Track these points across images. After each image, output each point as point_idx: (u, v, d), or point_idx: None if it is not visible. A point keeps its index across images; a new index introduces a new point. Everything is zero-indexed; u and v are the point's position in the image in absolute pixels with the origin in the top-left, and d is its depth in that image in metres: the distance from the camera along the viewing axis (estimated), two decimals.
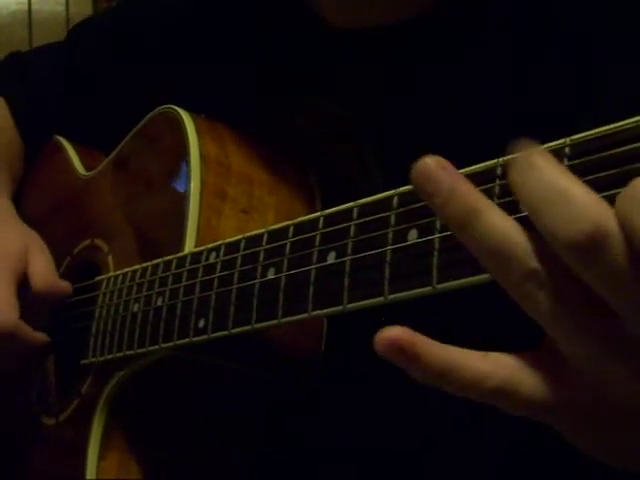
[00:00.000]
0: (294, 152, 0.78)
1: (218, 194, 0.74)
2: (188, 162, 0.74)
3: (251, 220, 0.73)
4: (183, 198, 0.73)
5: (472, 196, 0.38)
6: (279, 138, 0.80)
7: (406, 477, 0.75)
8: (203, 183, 0.73)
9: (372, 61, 0.74)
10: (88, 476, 0.75)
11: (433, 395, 0.70)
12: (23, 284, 0.84)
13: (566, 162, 0.39)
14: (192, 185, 0.73)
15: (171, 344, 0.68)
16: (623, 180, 0.37)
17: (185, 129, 0.76)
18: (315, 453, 0.75)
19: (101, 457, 0.75)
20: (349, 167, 0.75)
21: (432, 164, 0.39)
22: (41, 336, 0.84)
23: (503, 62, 0.68)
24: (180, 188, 0.74)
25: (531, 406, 0.40)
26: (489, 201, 0.39)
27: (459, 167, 0.41)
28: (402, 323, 0.70)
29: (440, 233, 0.47)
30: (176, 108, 0.78)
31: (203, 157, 0.74)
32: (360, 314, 0.73)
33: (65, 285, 0.85)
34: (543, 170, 0.36)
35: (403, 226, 0.49)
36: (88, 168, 0.94)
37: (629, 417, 0.39)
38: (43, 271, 0.84)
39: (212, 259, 0.66)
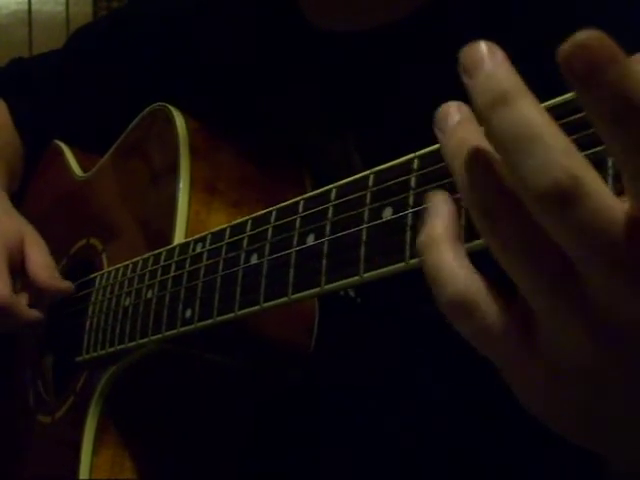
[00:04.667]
0: (288, 151, 0.79)
1: (208, 188, 0.74)
2: (178, 157, 0.75)
3: (241, 214, 0.73)
4: (173, 193, 0.73)
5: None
6: (274, 136, 0.80)
7: (395, 476, 0.74)
8: (192, 177, 0.74)
9: (360, 64, 0.74)
10: (82, 472, 0.75)
11: (420, 396, 0.71)
12: (18, 271, 0.85)
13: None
14: (181, 179, 0.73)
15: (160, 336, 0.69)
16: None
17: (175, 125, 0.76)
18: (303, 449, 0.75)
19: (95, 453, 0.75)
20: (337, 168, 0.75)
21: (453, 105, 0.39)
22: (35, 313, 0.83)
23: None
24: (170, 183, 0.74)
25: (482, 338, 0.38)
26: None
27: None
28: (397, 317, 0.71)
29: (413, 209, 0.47)
30: (167, 105, 0.79)
31: (193, 152, 0.75)
32: (353, 314, 0.73)
33: (68, 285, 0.85)
34: (518, 107, 0.34)
35: (378, 204, 0.50)
36: (85, 170, 0.95)
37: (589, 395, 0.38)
38: (43, 263, 0.85)
39: (199, 249, 0.66)
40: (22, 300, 0.83)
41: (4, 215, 0.89)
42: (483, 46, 0.35)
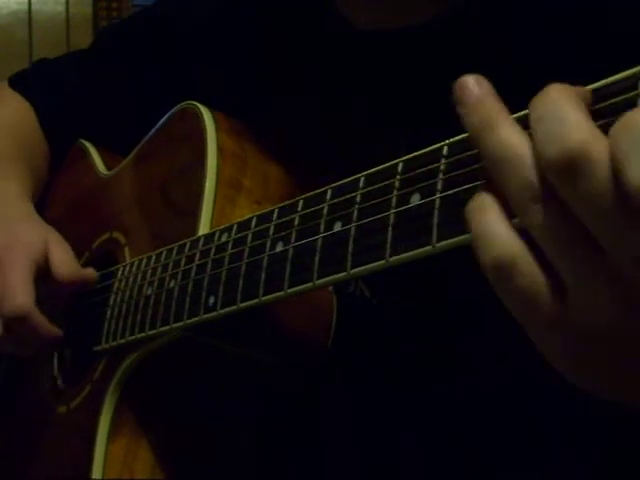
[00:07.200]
0: (313, 151, 0.80)
1: (233, 185, 0.75)
2: (205, 153, 0.76)
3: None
4: (199, 188, 0.75)
5: (493, 109, 0.41)
6: (301, 137, 0.81)
7: (405, 474, 0.75)
8: (219, 173, 0.75)
9: (398, 62, 0.75)
10: (96, 460, 0.76)
11: (432, 395, 0.72)
12: (44, 276, 0.85)
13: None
14: (208, 175, 0.75)
15: (181, 324, 0.69)
16: None
17: (203, 122, 0.78)
18: (315, 443, 0.76)
19: (110, 441, 0.76)
20: (365, 168, 0.76)
21: (471, 79, 0.42)
22: (54, 329, 0.83)
23: (524, 60, 0.69)
24: (196, 179, 0.76)
25: (518, 300, 0.41)
26: (508, 117, 0.41)
27: None
28: (418, 319, 0.71)
29: (441, 193, 0.48)
30: (196, 103, 0.81)
31: (220, 149, 0.76)
32: (368, 314, 0.74)
33: (90, 272, 0.86)
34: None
35: (406, 190, 0.51)
36: (110, 169, 0.96)
37: (613, 349, 0.40)
38: (65, 260, 0.85)
39: (224, 239, 0.68)
40: (43, 316, 0.82)
41: (27, 224, 0.89)
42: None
